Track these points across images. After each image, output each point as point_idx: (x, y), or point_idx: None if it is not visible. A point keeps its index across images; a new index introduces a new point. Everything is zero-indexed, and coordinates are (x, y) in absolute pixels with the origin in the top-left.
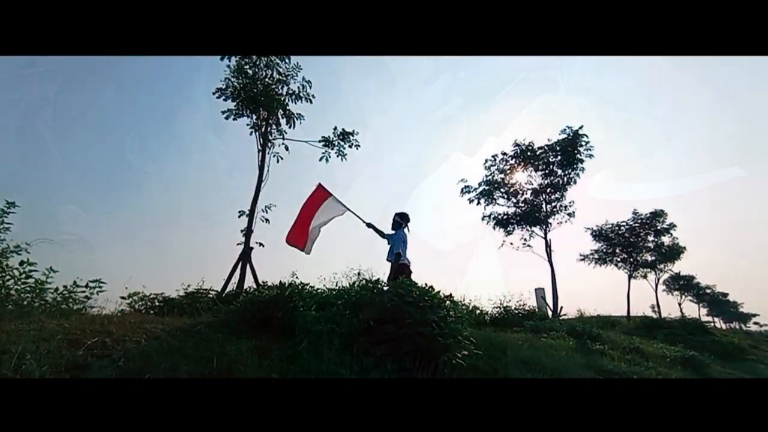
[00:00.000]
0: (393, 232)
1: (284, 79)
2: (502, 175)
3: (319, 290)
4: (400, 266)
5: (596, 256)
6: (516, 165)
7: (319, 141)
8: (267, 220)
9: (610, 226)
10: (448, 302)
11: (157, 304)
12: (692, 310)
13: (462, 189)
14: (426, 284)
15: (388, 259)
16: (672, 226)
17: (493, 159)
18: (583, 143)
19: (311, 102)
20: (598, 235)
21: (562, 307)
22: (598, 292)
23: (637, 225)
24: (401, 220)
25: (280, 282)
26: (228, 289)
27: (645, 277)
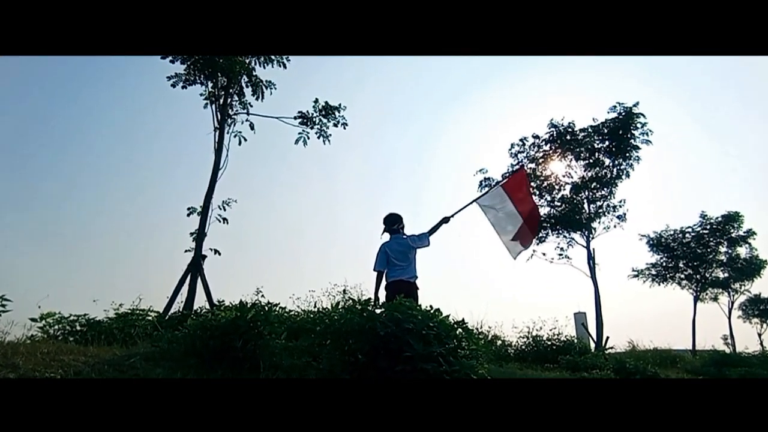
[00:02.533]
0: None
1: None
2: (532, 165)
3: (292, 313)
4: (387, 285)
5: (653, 272)
6: (551, 152)
7: (295, 117)
8: (225, 219)
9: (671, 232)
10: (459, 330)
11: (78, 328)
12: None
13: (480, 182)
14: (431, 306)
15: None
16: (751, 233)
17: (521, 143)
18: (639, 125)
19: (285, 66)
20: (657, 244)
21: (608, 338)
22: (656, 318)
23: (706, 232)
24: (384, 225)
25: (241, 301)
26: (172, 310)
27: (715, 299)
